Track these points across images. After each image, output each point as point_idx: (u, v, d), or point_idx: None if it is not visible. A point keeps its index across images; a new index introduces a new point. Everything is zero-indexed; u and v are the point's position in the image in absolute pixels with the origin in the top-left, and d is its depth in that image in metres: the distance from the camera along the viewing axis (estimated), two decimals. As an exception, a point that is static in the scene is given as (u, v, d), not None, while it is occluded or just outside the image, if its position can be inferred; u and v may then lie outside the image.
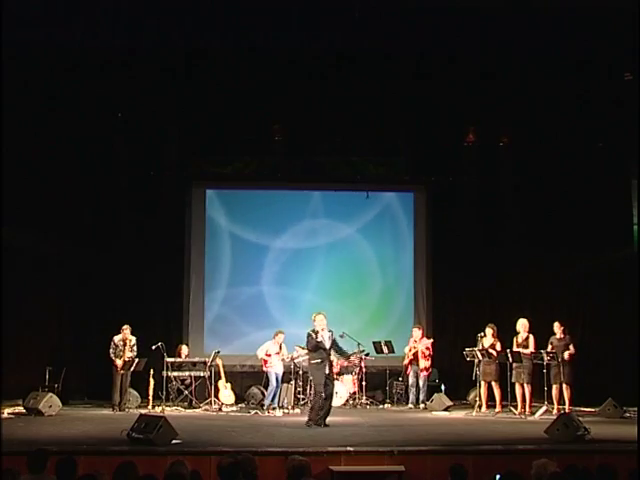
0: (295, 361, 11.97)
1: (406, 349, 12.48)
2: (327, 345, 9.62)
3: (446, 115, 12.19)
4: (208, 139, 13.23)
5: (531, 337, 11.21)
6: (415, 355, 12.25)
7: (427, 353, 12.20)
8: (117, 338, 11.58)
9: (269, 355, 11.78)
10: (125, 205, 13.39)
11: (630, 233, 12.94)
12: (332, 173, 14.00)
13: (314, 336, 9.55)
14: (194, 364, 12.05)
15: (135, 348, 11.62)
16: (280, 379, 11.79)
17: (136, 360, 11.67)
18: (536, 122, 12.28)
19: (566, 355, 11.05)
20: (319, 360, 9.56)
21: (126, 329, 11.62)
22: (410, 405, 12.26)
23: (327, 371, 9.60)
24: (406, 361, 12.35)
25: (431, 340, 12.27)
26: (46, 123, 11.86)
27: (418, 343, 12.28)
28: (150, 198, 13.61)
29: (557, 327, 11.27)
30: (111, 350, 11.52)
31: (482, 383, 11.31)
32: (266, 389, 11.88)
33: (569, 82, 11.18)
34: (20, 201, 11.73)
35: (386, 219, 14.41)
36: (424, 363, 12.16)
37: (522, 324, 11.28)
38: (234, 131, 12.93)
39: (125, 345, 11.56)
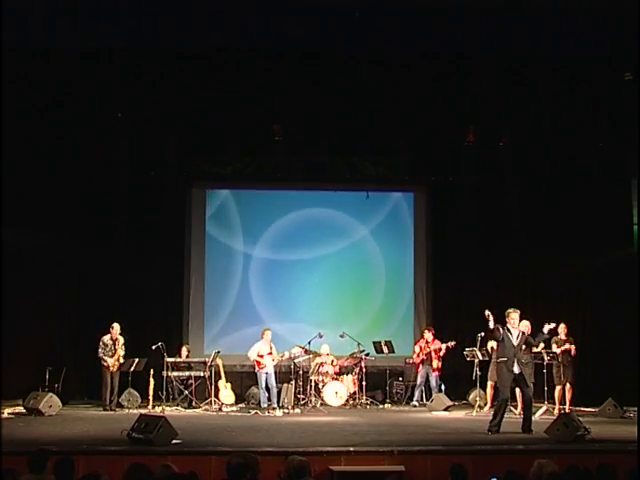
0: (295, 361, 11.99)
1: (416, 348, 12.61)
2: (515, 342, 9.05)
3: (446, 115, 12.18)
4: (208, 139, 13.22)
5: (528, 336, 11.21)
6: (428, 356, 12.39)
7: (441, 354, 12.42)
8: (106, 338, 11.62)
9: (262, 356, 11.79)
10: (125, 205, 13.39)
11: (630, 233, 12.94)
12: (332, 173, 14.01)
13: (502, 332, 9.03)
14: (194, 364, 12.06)
15: (124, 347, 11.67)
16: (274, 379, 11.80)
17: (136, 360, 11.70)
18: (536, 122, 12.27)
19: (572, 351, 11.04)
20: (504, 359, 9.03)
21: (116, 328, 11.65)
22: (415, 403, 12.37)
23: (517, 370, 8.99)
24: (417, 360, 12.53)
25: (445, 345, 12.38)
26: (46, 123, 11.85)
27: (431, 344, 12.40)
28: (150, 198, 13.62)
29: (562, 329, 11.26)
30: (100, 350, 11.57)
31: (489, 383, 11.36)
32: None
33: (569, 82, 11.17)
34: (20, 201, 11.73)
35: (386, 219, 14.42)
36: (437, 364, 12.40)
37: (524, 325, 11.25)
38: (234, 131, 12.91)
39: (115, 344, 11.59)
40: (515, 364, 8.99)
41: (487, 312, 9.04)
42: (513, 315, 9.16)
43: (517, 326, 9.21)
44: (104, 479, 5.00)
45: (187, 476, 5.08)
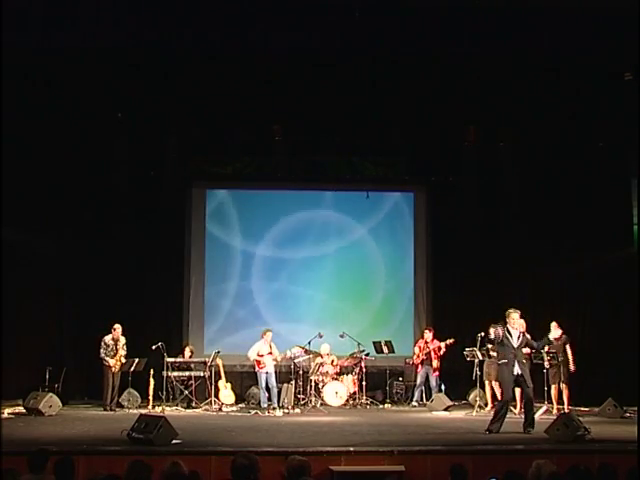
0: (295, 361, 11.99)
1: (416, 349, 12.64)
2: (515, 343, 9.02)
3: (446, 115, 12.18)
4: (208, 139, 13.23)
5: (528, 337, 11.22)
6: (428, 356, 12.43)
7: (440, 353, 12.47)
8: (107, 338, 11.61)
9: (261, 356, 11.78)
10: (125, 205, 13.39)
11: (630, 233, 12.95)
12: (332, 173, 14.02)
13: (502, 334, 9.03)
14: (194, 364, 12.05)
15: (125, 348, 11.68)
16: (274, 379, 11.81)
17: (136, 360, 11.70)
18: (536, 122, 12.26)
19: (571, 367, 11.11)
20: (505, 361, 9.01)
21: (118, 328, 11.65)
22: (414, 403, 12.41)
23: (518, 371, 8.95)
24: (417, 361, 12.58)
25: (444, 343, 12.42)
26: (46, 123, 11.85)
27: (430, 344, 12.42)
28: (150, 198, 13.61)
29: (554, 327, 11.29)
30: (102, 350, 11.56)
31: (486, 383, 11.39)
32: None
33: (569, 82, 11.17)
34: (20, 201, 11.74)
35: (386, 219, 14.42)
36: (436, 363, 12.45)
37: (519, 324, 11.24)
38: (234, 131, 12.93)
39: (117, 344, 11.59)
40: (516, 365, 8.97)
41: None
42: (513, 315, 9.13)
43: (517, 327, 9.17)
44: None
45: (189, 476, 5.09)
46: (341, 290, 14.14)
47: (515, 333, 9.12)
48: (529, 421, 8.95)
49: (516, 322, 9.15)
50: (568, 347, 11.21)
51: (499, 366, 9.31)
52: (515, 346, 9.05)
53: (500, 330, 9.10)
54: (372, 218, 14.38)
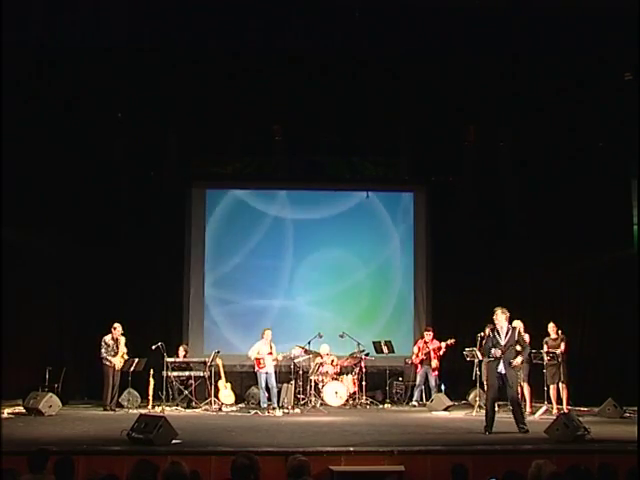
0: (295, 361, 11.98)
1: (415, 349, 12.66)
2: (503, 342, 8.98)
3: (446, 115, 12.18)
4: (208, 139, 13.22)
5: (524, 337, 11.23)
6: (427, 356, 12.47)
7: (440, 353, 12.50)
8: (107, 338, 11.61)
9: (262, 356, 11.77)
10: (125, 205, 13.39)
11: (630, 233, 12.96)
12: (332, 173, 14.02)
13: (491, 335, 9.06)
14: (194, 364, 12.05)
15: (125, 347, 11.68)
16: (274, 379, 11.79)
17: (136, 360, 11.70)
18: (536, 122, 12.26)
19: (557, 351, 11.09)
20: (492, 358, 9.02)
21: (117, 328, 11.65)
22: (414, 403, 12.42)
23: (502, 370, 8.92)
24: (417, 360, 12.62)
25: (445, 343, 12.44)
26: (46, 123, 11.85)
27: (430, 344, 12.45)
28: (150, 198, 13.61)
29: (551, 328, 11.32)
30: (103, 350, 11.54)
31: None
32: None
33: (569, 82, 11.17)
34: (20, 201, 11.73)
35: (386, 219, 14.41)
36: (435, 363, 12.48)
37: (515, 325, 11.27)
38: (234, 131, 12.92)
39: (117, 344, 11.59)
40: (501, 364, 8.96)
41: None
42: (496, 312, 9.11)
43: (503, 324, 9.12)
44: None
45: (189, 476, 5.09)
46: (341, 290, 14.12)
47: (503, 331, 9.09)
48: (518, 424, 8.89)
49: (500, 319, 9.08)
50: (563, 345, 11.23)
51: (487, 364, 9.35)
52: (502, 344, 9.02)
53: (491, 333, 9.13)
54: (371, 218, 14.36)
